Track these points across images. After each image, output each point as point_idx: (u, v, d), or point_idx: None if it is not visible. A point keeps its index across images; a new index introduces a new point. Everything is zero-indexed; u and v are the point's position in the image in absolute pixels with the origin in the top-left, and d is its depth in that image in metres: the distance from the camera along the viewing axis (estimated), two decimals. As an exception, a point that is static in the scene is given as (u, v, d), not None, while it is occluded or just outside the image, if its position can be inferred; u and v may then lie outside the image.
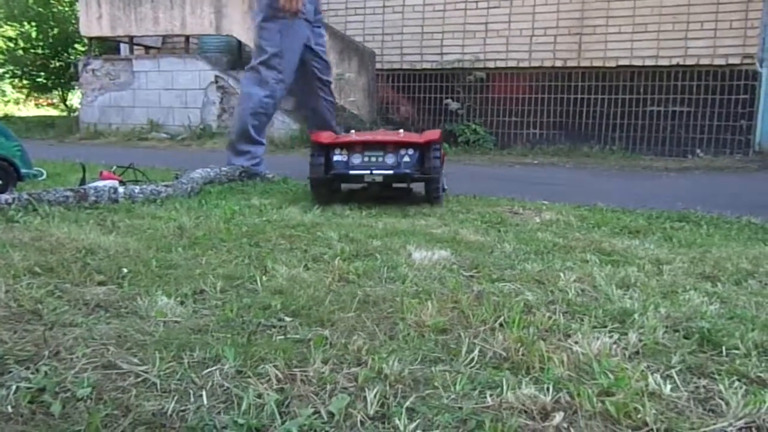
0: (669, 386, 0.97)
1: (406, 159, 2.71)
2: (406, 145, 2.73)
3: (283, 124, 6.81)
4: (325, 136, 2.83)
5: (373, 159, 2.72)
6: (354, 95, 6.60)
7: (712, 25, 5.87)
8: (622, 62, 6.19)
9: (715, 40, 5.87)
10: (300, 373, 0.99)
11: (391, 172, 2.68)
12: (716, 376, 1.02)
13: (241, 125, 3.54)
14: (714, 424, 0.88)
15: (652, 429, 0.86)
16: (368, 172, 2.68)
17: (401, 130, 3.07)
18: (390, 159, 2.72)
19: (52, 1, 11.69)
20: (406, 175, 2.68)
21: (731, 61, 5.82)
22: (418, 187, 2.92)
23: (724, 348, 1.14)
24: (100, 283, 1.45)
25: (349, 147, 2.75)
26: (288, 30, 3.46)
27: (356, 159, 2.73)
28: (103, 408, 0.88)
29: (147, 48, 8.29)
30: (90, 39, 8.09)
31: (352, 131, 3.11)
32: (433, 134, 2.78)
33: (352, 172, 2.70)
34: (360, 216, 2.49)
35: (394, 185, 2.86)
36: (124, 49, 8.34)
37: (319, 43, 3.76)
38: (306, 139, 6.46)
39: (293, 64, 3.53)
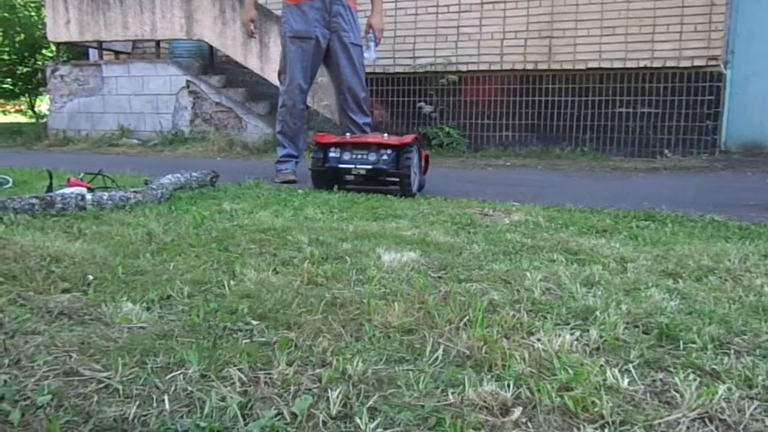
0: (626, 380, 1.00)
1: (385, 157, 3.27)
2: (385, 146, 3.30)
3: (256, 129, 6.78)
4: (325, 138, 3.47)
5: (359, 156, 3.33)
6: (327, 99, 6.60)
7: (678, 28, 5.99)
8: (591, 65, 6.29)
9: (680, 42, 5.99)
10: (264, 376, 1.00)
11: (371, 167, 3.27)
12: (672, 370, 1.05)
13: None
14: (668, 415, 0.90)
15: (608, 422, 0.88)
16: (354, 166, 3.30)
17: (386, 134, 3.51)
18: (372, 157, 3.30)
19: (18, 6, 11.48)
20: (383, 170, 3.25)
21: (696, 63, 5.95)
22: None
23: (681, 342, 1.17)
24: (65, 291, 1.44)
25: (342, 146, 3.38)
26: (286, 50, 3.99)
27: (346, 155, 3.35)
28: (63, 415, 0.87)
29: (117, 53, 8.19)
30: (58, 44, 7.97)
31: (347, 134, 3.68)
32: (408, 138, 3.31)
33: (341, 165, 3.33)
34: (331, 220, 2.50)
35: (380, 179, 3.41)
36: (93, 54, 8.23)
37: (349, 57, 4.01)
38: (279, 143, 6.46)
39: (297, 77, 3.98)
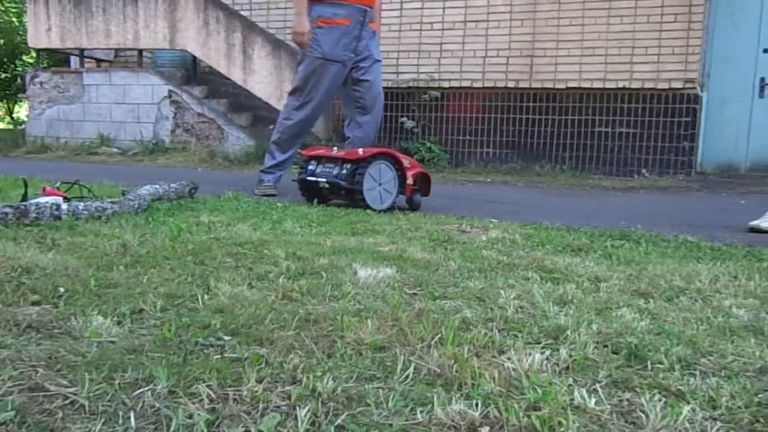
0: (594, 400, 1.01)
1: (344, 171, 3.33)
2: (346, 160, 3.35)
3: (238, 140, 6.77)
4: (309, 151, 3.59)
5: (326, 170, 3.41)
6: (310, 112, 6.60)
7: (656, 50, 6.12)
8: (571, 84, 6.39)
9: (658, 64, 6.12)
10: (233, 393, 0.99)
11: (330, 180, 3.34)
12: (639, 390, 1.06)
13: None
14: (633, 436, 0.91)
15: (574, 442, 0.89)
16: (318, 179, 3.39)
17: (361, 150, 3.44)
18: (335, 170, 3.37)
19: None
20: (337, 184, 3.31)
21: (674, 85, 6.07)
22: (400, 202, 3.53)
23: (649, 362, 1.19)
24: (34, 303, 1.42)
25: (318, 159, 3.49)
26: (312, 69, 3.96)
27: (318, 169, 3.44)
28: None
29: (98, 61, 8.14)
30: (38, 51, 7.91)
31: (334, 147, 3.73)
32: (365, 153, 3.33)
33: (309, 178, 3.44)
34: (310, 234, 2.50)
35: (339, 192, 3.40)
36: (74, 61, 8.17)
37: (367, 72, 4.06)
38: (260, 155, 6.45)
39: (322, 99, 4.05)
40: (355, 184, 3.28)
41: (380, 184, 3.35)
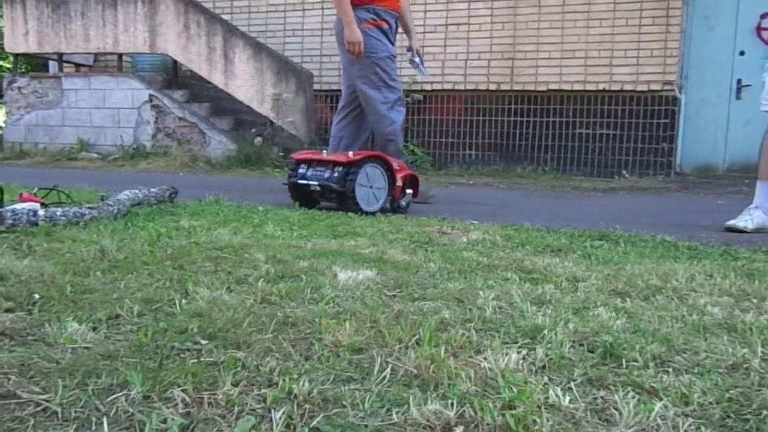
0: (568, 398, 1.02)
1: (335, 174, 3.33)
2: (338, 163, 3.35)
3: (220, 144, 6.74)
4: (298, 155, 3.60)
5: (317, 173, 3.41)
6: (292, 116, 6.60)
7: (635, 53, 6.19)
8: (552, 86, 6.44)
9: (637, 67, 6.19)
10: (208, 396, 0.99)
11: (322, 182, 3.35)
12: (613, 388, 1.07)
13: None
14: (606, 433, 0.92)
15: (547, 440, 0.89)
16: (309, 182, 3.39)
17: (351, 153, 3.49)
18: (326, 174, 3.37)
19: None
20: (330, 187, 3.32)
21: (653, 87, 6.15)
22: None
23: (624, 360, 1.20)
24: (8, 310, 1.40)
25: (308, 162, 3.48)
26: (382, 69, 3.99)
27: (309, 172, 3.44)
28: (-4, 439, 0.85)
29: (78, 66, 8.06)
30: (16, 56, 7.81)
31: (324, 150, 3.72)
32: (356, 157, 3.36)
33: (300, 181, 3.43)
34: (291, 237, 2.49)
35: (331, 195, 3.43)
36: (53, 66, 8.09)
37: None
38: (242, 159, 6.42)
39: (400, 87, 4.10)
40: (347, 187, 3.28)
41: (371, 187, 3.38)
